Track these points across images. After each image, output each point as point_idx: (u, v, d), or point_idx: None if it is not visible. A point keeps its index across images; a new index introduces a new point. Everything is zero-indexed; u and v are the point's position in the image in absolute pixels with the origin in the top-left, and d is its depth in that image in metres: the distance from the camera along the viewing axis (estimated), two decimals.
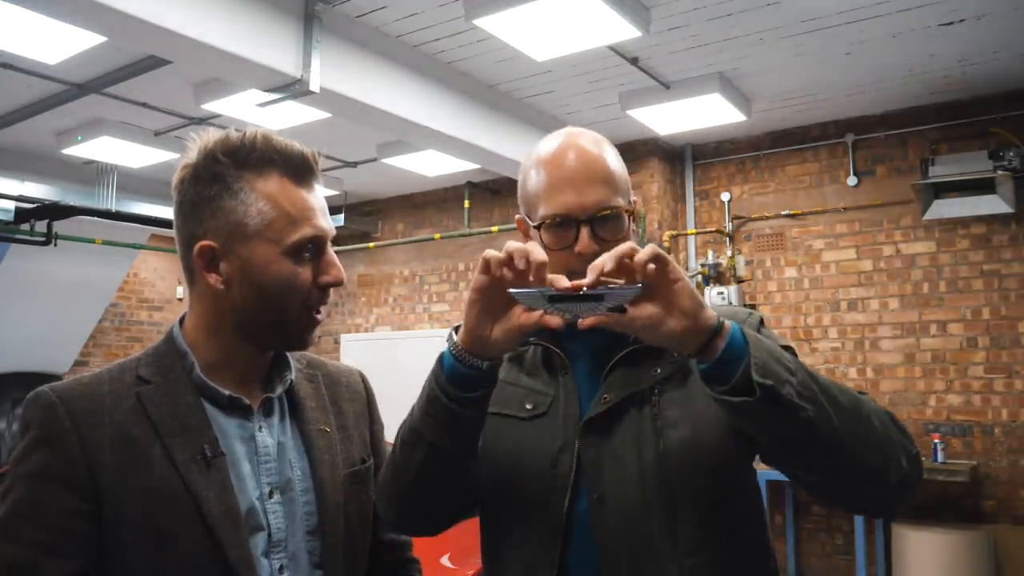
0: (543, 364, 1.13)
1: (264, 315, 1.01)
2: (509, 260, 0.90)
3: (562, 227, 1.05)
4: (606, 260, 0.86)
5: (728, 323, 0.91)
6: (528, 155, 1.13)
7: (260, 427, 1.05)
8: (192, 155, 1.02)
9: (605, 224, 1.05)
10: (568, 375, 1.10)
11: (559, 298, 0.87)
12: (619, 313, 0.88)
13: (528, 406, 1.11)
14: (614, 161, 1.10)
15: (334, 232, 1.06)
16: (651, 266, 0.86)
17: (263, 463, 1.03)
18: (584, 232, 1.04)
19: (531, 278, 0.90)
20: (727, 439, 1.03)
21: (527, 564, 1.05)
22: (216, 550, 0.93)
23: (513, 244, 0.90)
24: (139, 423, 0.96)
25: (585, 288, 0.86)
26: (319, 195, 1.05)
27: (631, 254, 0.86)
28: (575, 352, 1.12)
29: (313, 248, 1.02)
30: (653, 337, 0.89)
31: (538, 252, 0.89)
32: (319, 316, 1.05)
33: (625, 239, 1.06)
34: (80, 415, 0.95)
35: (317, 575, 1.04)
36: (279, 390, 1.08)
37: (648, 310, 0.88)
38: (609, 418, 1.05)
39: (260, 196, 0.99)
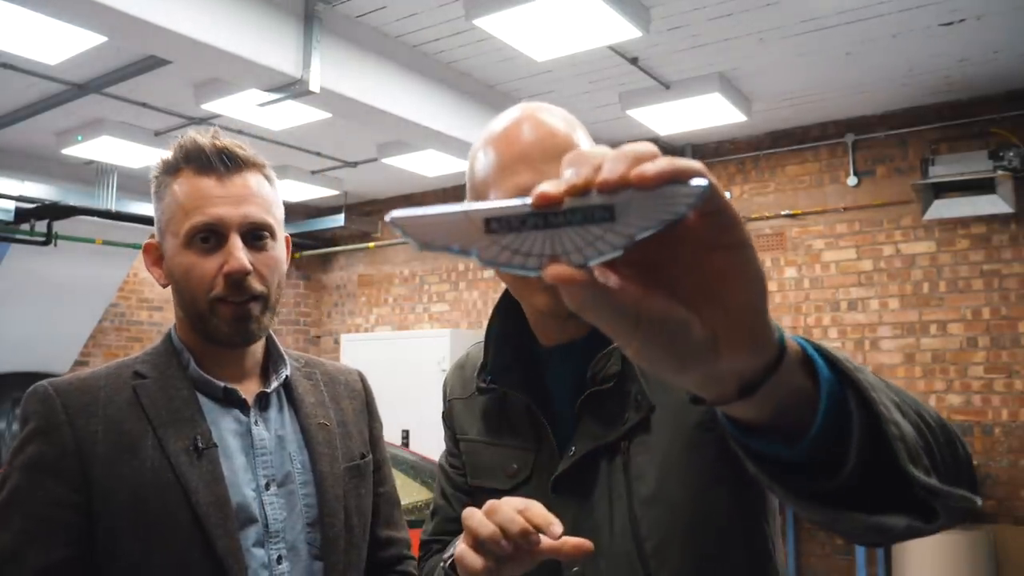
0: (524, 412, 0.95)
1: (186, 308, 1.04)
2: (498, 545, 0.73)
3: None
4: (605, 154, 0.40)
5: (794, 342, 0.50)
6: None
7: (256, 421, 1.06)
8: None
9: None
10: (546, 429, 0.92)
11: (509, 223, 0.40)
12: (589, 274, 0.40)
13: (515, 466, 0.96)
14: (582, 138, 0.90)
15: (250, 218, 1.01)
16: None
17: (259, 456, 1.04)
18: None
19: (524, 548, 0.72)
20: (704, 490, 0.85)
21: None
22: (204, 540, 0.94)
23: (476, 523, 0.74)
24: (133, 416, 0.98)
25: (567, 199, 0.39)
26: (239, 184, 1.02)
27: (652, 156, 0.40)
28: (554, 379, 0.95)
29: (213, 236, 1.00)
30: (658, 354, 0.43)
31: (504, 514, 0.74)
32: (244, 307, 1.00)
33: None
34: (75, 408, 0.97)
35: (317, 566, 1.04)
36: (274, 384, 1.09)
37: (662, 297, 0.42)
38: (579, 475, 0.89)
39: (170, 193, 1.03)
